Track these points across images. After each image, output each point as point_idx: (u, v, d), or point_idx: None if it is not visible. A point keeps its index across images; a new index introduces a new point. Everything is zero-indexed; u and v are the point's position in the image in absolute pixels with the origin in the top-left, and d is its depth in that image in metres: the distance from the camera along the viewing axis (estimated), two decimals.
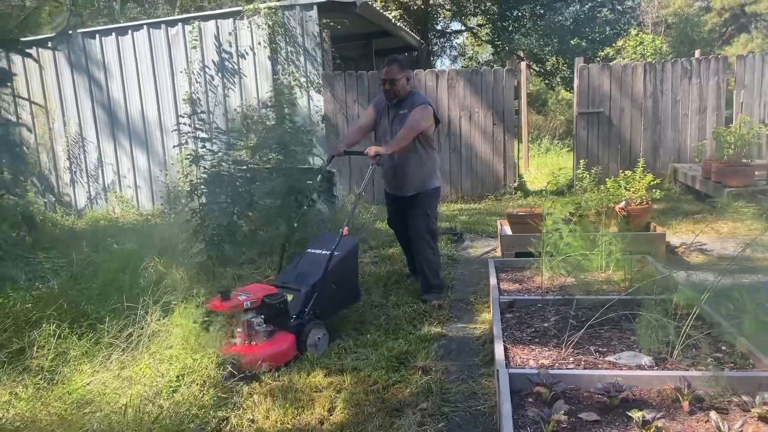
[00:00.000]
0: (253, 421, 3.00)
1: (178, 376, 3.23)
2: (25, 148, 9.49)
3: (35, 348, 3.52)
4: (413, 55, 18.26)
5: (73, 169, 9.76)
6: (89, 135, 9.60)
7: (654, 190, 6.28)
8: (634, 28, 16.69)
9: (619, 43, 15.92)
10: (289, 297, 3.87)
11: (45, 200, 9.62)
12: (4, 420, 2.85)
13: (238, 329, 3.64)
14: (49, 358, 3.47)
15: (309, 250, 4.24)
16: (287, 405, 3.11)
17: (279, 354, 3.60)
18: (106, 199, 9.67)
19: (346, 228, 4.09)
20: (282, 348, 3.63)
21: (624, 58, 13.88)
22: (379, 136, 4.76)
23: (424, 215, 4.66)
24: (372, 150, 4.27)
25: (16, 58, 8.99)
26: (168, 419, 2.80)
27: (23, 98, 9.32)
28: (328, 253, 3.97)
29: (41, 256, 5.04)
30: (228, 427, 2.93)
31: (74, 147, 9.68)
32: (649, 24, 24.67)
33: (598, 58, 16.07)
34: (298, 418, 3.04)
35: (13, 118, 9.57)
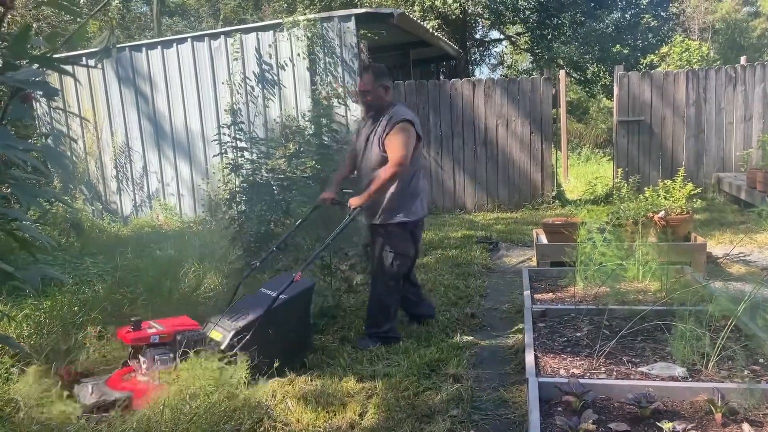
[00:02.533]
0: (285, 423, 3.07)
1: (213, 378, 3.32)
2: (74, 157, 9.88)
3: (79, 349, 3.67)
4: (451, 64, 18.29)
5: (120, 178, 10.10)
6: (135, 145, 9.93)
7: (695, 200, 6.15)
8: (680, 35, 16.38)
9: (664, 49, 15.62)
10: (217, 336, 3.53)
11: (93, 208, 9.98)
12: (47, 415, 2.99)
13: (143, 364, 3.39)
14: (93, 358, 3.63)
15: (261, 289, 3.84)
16: (319, 408, 3.17)
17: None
18: (150, 207, 9.96)
19: (299, 274, 3.69)
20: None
21: (668, 65, 13.63)
22: (359, 161, 4.19)
23: (385, 250, 4.04)
24: (351, 202, 3.90)
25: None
26: (203, 419, 2.89)
27: (72, 113, 9.70)
28: (273, 294, 3.58)
29: (88, 261, 5.25)
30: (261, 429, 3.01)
31: (121, 156, 10.02)
32: (696, 30, 24.13)
33: (641, 66, 15.80)
34: (329, 421, 3.09)
35: (64, 129, 9.99)
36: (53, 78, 8.52)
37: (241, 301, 3.84)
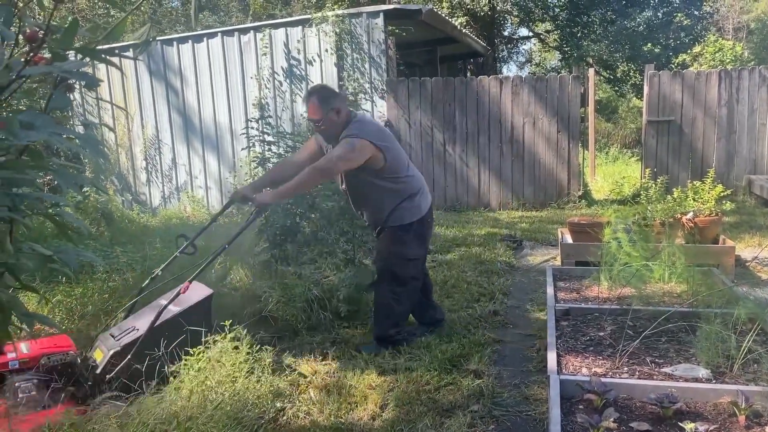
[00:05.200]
0: (308, 413, 3.12)
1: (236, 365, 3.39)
2: (105, 149, 10.09)
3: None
4: (479, 61, 18.21)
5: (149, 170, 10.29)
6: (164, 137, 10.10)
7: (725, 202, 6.06)
8: (713, 34, 16.10)
9: (696, 49, 15.38)
10: (99, 356, 3.16)
11: (123, 198, 10.19)
12: None
13: (6, 396, 2.89)
14: None
15: (160, 299, 3.46)
16: (341, 400, 3.22)
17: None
18: (178, 199, 10.14)
19: (186, 283, 3.35)
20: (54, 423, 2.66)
21: (701, 65, 13.41)
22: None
23: (387, 253, 3.89)
24: (258, 199, 3.61)
25: (101, 66, 9.57)
26: (228, 406, 2.95)
27: (106, 101, 9.91)
28: (162, 304, 3.23)
29: (118, 250, 5.38)
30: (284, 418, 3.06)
31: (150, 148, 10.21)
32: (730, 30, 23.67)
33: (672, 65, 15.56)
34: (351, 413, 3.14)
35: (96, 121, 10.21)
36: (88, 70, 8.71)
37: (136, 314, 3.49)
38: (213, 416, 2.86)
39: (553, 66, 24.01)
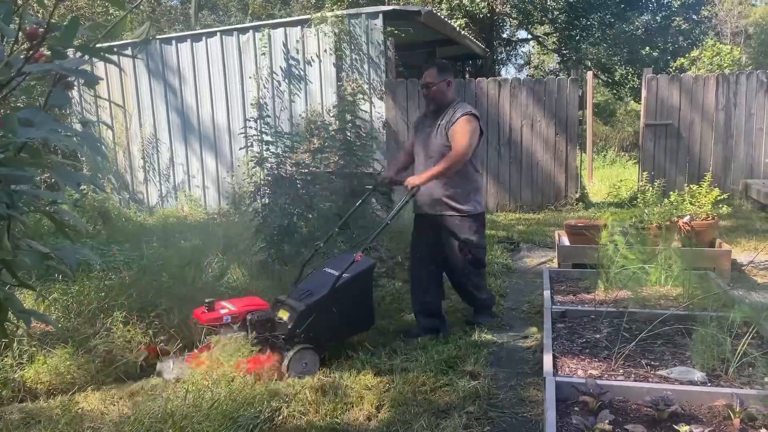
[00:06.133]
0: (303, 413, 3.12)
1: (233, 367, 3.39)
2: (103, 147, 10.09)
3: (104, 333, 3.77)
4: (477, 63, 18.22)
5: (147, 169, 10.27)
6: (162, 136, 10.09)
7: (721, 206, 6.08)
8: (711, 39, 16.12)
9: (694, 53, 15.41)
10: (284, 315, 3.71)
11: (120, 197, 10.17)
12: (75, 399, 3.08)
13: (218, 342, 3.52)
14: (117, 343, 3.72)
15: (324, 268, 4.02)
16: (337, 400, 3.22)
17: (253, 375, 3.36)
18: (175, 198, 10.12)
19: (360, 254, 3.86)
20: (259, 369, 3.41)
21: (699, 69, 13.43)
22: (415, 151, 4.33)
23: (463, 242, 4.17)
24: (409, 180, 4.00)
25: (99, 64, 9.56)
26: (224, 405, 2.95)
27: (104, 99, 9.90)
28: (336, 273, 3.77)
29: (115, 248, 5.37)
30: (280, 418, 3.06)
31: (148, 147, 10.19)
32: (728, 34, 23.73)
33: (671, 69, 15.60)
34: (347, 413, 3.14)
35: (94, 119, 10.19)
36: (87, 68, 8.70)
37: (306, 280, 4.00)
38: (209, 415, 2.86)
39: (552, 69, 24.05)
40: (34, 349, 3.59)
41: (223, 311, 3.58)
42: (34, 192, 1.41)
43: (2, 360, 3.46)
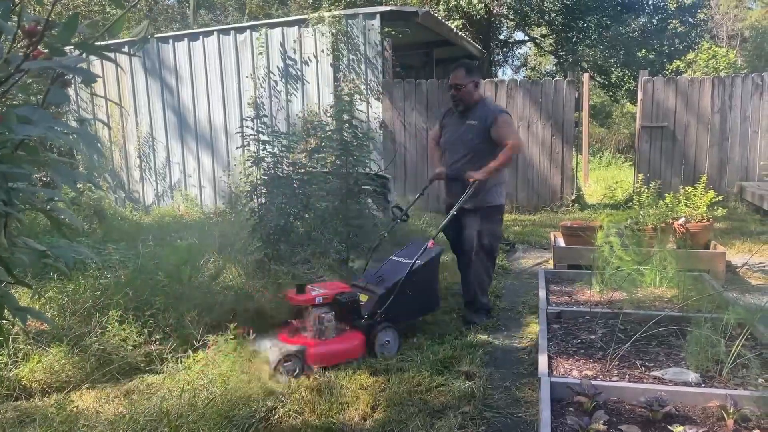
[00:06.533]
0: (299, 412, 3.12)
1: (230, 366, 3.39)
2: (99, 145, 10.07)
3: (99, 331, 3.76)
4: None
5: (143, 168, 10.26)
6: (159, 135, 10.07)
7: (716, 208, 6.10)
8: (707, 41, 16.19)
9: (690, 56, 15.48)
10: (364, 298, 4.02)
11: (116, 196, 10.15)
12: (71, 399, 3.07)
13: (309, 323, 3.80)
14: (113, 341, 3.71)
15: (393, 257, 4.36)
16: (332, 400, 3.22)
17: (345, 351, 3.74)
18: (171, 197, 10.11)
19: (432, 241, 4.22)
20: (349, 346, 3.76)
21: (695, 72, 13.48)
22: (444, 147, 4.57)
23: (480, 231, 4.40)
24: (472, 175, 4.23)
25: (96, 62, 9.54)
26: (220, 404, 2.95)
27: (101, 97, 9.87)
28: (410, 261, 4.10)
29: (110, 247, 5.35)
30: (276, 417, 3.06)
31: (144, 146, 10.18)
32: (724, 37, 23.83)
33: (667, 71, 15.66)
34: (342, 413, 3.14)
35: (90, 117, 10.16)
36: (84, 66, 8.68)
37: (377, 268, 4.32)
38: (204, 414, 2.86)
39: (548, 70, 24.09)
40: (29, 347, 3.58)
41: (314, 293, 3.82)
42: (32, 189, 1.41)
43: None
